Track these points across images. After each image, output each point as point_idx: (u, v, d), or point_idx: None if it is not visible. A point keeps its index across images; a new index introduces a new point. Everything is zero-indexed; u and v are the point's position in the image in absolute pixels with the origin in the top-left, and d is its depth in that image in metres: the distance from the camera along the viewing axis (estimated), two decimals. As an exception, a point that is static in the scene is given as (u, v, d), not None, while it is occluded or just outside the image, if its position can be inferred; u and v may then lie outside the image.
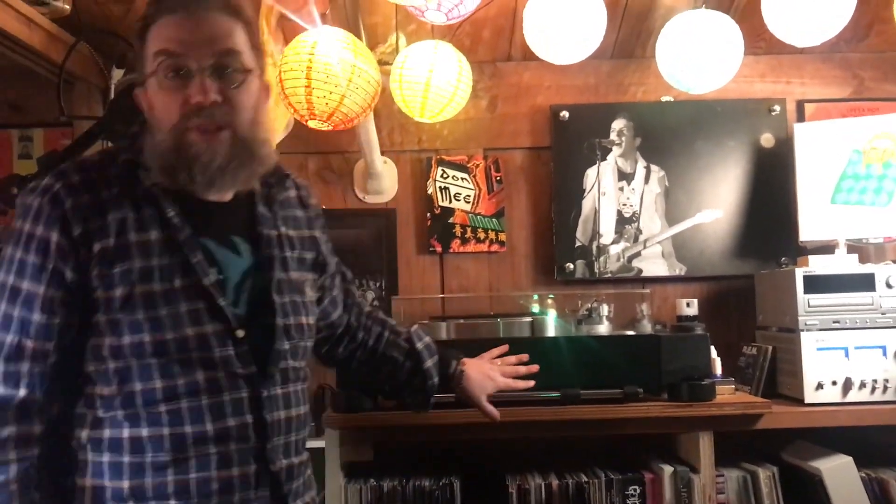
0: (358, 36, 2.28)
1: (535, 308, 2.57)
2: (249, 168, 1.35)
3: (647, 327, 2.47)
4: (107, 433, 1.29)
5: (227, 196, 1.39)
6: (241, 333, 1.32)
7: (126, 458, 1.28)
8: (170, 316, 1.28)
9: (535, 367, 1.98)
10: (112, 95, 2.70)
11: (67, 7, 2.38)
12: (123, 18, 2.63)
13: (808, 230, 2.59)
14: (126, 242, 1.29)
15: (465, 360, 1.88)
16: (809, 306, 2.32)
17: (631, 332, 2.40)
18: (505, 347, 2.00)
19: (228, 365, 1.31)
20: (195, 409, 1.29)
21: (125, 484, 1.28)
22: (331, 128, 2.21)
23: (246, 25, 1.36)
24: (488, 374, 1.90)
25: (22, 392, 1.25)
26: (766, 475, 2.27)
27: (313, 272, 1.53)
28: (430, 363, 1.79)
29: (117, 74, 2.71)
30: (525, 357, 1.99)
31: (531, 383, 1.96)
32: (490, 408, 1.89)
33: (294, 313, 1.41)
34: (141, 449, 1.28)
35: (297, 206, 1.53)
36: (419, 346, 1.78)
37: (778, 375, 2.45)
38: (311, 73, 2.08)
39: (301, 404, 1.43)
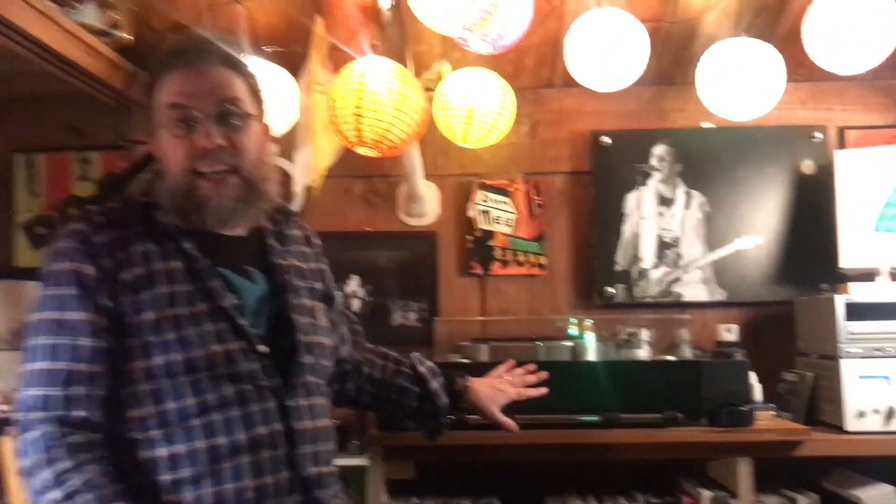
0: (405, 65, 2.34)
1: (575, 332, 2.60)
2: (256, 206, 1.47)
3: (687, 353, 2.48)
4: (143, 454, 1.34)
5: (239, 231, 1.49)
6: (263, 349, 1.40)
7: (165, 476, 1.33)
8: (197, 335, 1.35)
9: (544, 374, 1.95)
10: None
11: (130, 38, 2.49)
12: (179, 47, 2.74)
13: (850, 257, 2.60)
14: (152, 271, 1.38)
15: (473, 379, 1.89)
16: (850, 334, 2.32)
17: (671, 358, 2.42)
18: (512, 363, 2.00)
19: (254, 378, 1.38)
20: (227, 421, 1.35)
21: (166, 500, 1.33)
22: (379, 154, 2.28)
23: (244, 77, 1.47)
24: (497, 386, 1.90)
25: (81, 413, 1.31)
26: (806, 503, 2.26)
27: (323, 303, 1.61)
28: (436, 384, 1.82)
29: (172, 100, 2.81)
30: (533, 367, 1.98)
31: (544, 391, 1.94)
32: (505, 419, 1.88)
33: (313, 333, 1.50)
34: (178, 465, 1.33)
35: (303, 243, 1.63)
36: (422, 369, 1.82)
37: (819, 402, 2.45)
38: (360, 102, 2.15)
39: (325, 417, 1.50)
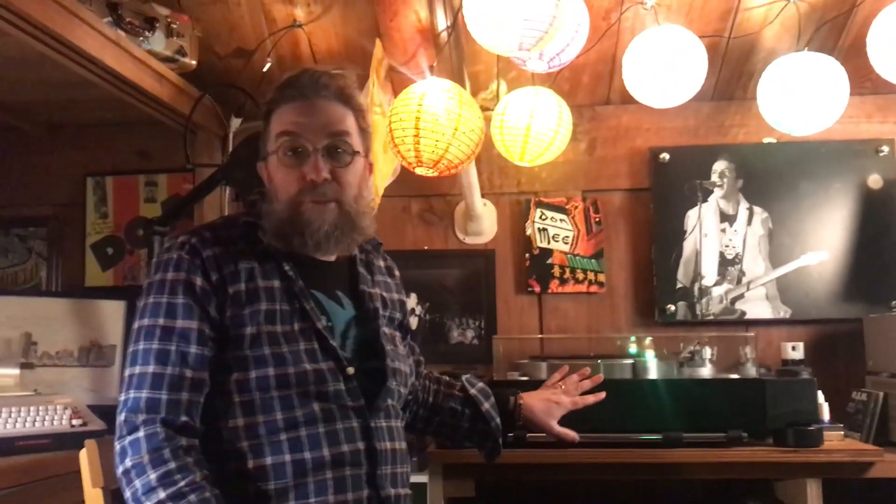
0: (462, 85, 2.37)
1: (634, 350, 2.58)
2: (350, 236, 1.51)
3: (751, 371, 2.44)
4: (231, 465, 1.38)
5: (332, 258, 1.55)
6: (351, 370, 1.44)
7: (251, 487, 1.37)
8: (291, 353, 1.40)
9: (599, 378, 1.91)
10: (230, 143, 2.88)
11: (194, 63, 2.57)
12: (242, 71, 2.82)
13: (921, 273, 2.53)
14: (255, 287, 1.43)
15: (525, 394, 1.88)
16: (923, 352, 2.26)
17: (735, 376, 2.38)
18: (565, 369, 1.95)
19: (340, 398, 1.42)
20: (313, 437, 1.39)
21: None
22: (437, 174, 2.30)
23: (356, 112, 1.53)
24: (551, 399, 1.87)
25: (183, 419, 1.35)
26: (878, 526, 2.20)
27: (399, 332, 1.66)
28: (487, 405, 1.81)
29: (235, 123, 2.89)
30: (587, 371, 1.92)
31: (602, 395, 1.89)
32: (564, 430, 1.85)
33: (396, 359, 1.55)
34: (264, 477, 1.37)
35: (387, 275, 1.69)
36: (473, 392, 1.82)
37: (890, 423, 2.38)
38: (419, 124, 2.18)
39: (402, 440, 1.54)
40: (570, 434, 1.85)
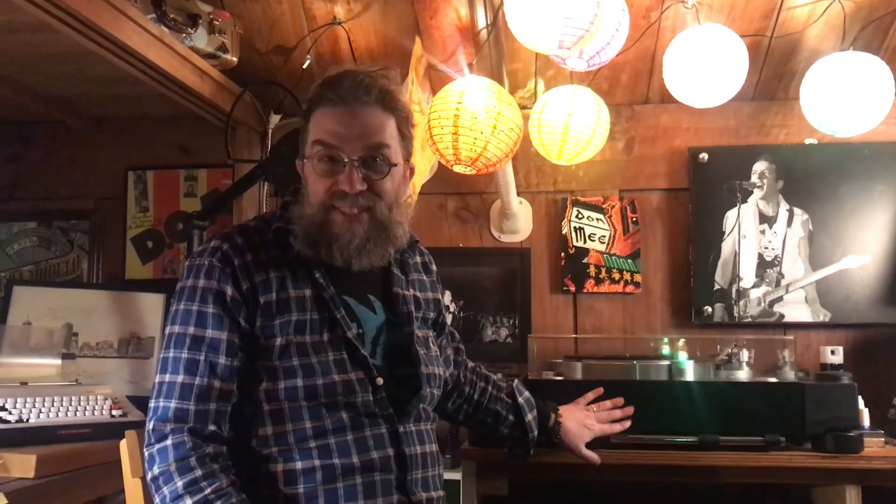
0: (501, 83, 2.37)
1: (669, 351, 2.56)
2: (383, 248, 1.49)
3: (789, 374, 2.41)
4: (262, 468, 1.40)
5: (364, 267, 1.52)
6: (380, 381, 1.45)
7: (281, 491, 1.38)
8: (319, 363, 1.41)
9: (630, 410, 2.05)
10: (270, 139, 2.91)
11: (235, 59, 2.60)
12: (282, 67, 2.85)
13: (966, 278, 2.48)
14: (287, 297, 1.44)
15: (562, 409, 1.98)
16: (968, 359, 2.21)
17: (773, 380, 2.35)
18: (600, 390, 2.08)
19: (368, 407, 1.44)
20: (342, 444, 1.41)
21: None
22: (474, 172, 2.30)
23: (399, 118, 1.50)
24: (584, 423, 1.99)
25: (211, 428, 1.37)
26: (918, 535, 2.16)
27: (433, 331, 1.67)
28: (530, 417, 1.88)
29: (274, 119, 2.92)
30: (620, 401, 2.07)
31: (627, 425, 2.03)
32: (589, 454, 1.97)
33: (430, 364, 1.55)
34: (294, 480, 1.38)
35: (423, 272, 1.69)
36: (520, 400, 1.88)
37: (933, 430, 2.34)
38: (458, 121, 2.18)
39: (433, 442, 1.55)
40: (594, 457, 1.98)
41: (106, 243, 3.18)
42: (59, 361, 2.42)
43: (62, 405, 2.14)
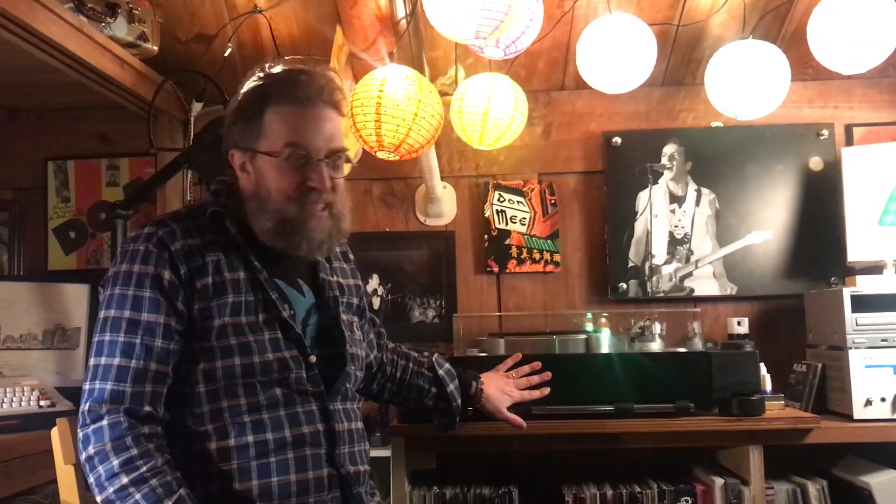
0: (421, 71, 2.43)
1: (589, 326, 2.68)
2: (338, 239, 1.60)
3: (698, 345, 2.55)
4: (196, 446, 1.45)
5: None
6: (313, 359, 1.53)
7: (216, 467, 1.44)
8: (256, 342, 1.48)
9: (547, 375, 2.16)
10: (192, 127, 2.91)
11: (155, 48, 2.59)
12: (203, 56, 2.85)
13: (856, 251, 2.66)
14: (223, 280, 1.49)
15: (483, 376, 2.09)
16: (857, 325, 2.39)
17: (682, 350, 2.49)
18: (518, 356, 2.20)
19: (301, 384, 1.51)
20: (275, 419, 1.47)
21: (215, 490, 1.43)
22: (398, 158, 2.36)
23: (343, 118, 1.60)
24: (504, 389, 2.11)
25: (147, 408, 1.40)
26: (815, 488, 2.34)
27: (357, 316, 1.75)
28: (452, 387, 1.99)
29: (197, 108, 2.92)
30: (538, 365, 2.18)
31: (546, 391, 2.15)
32: (513, 417, 2.09)
33: (354, 345, 1.64)
34: (228, 456, 1.44)
35: (343, 260, 1.78)
36: (441, 372, 1.99)
37: (827, 392, 2.51)
38: (380, 109, 2.24)
39: (358, 420, 1.64)
40: (518, 420, 2.09)
41: (27, 235, 3.13)
42: (-18, 354, 2.40)
43: (-12, 398, 2.14)
